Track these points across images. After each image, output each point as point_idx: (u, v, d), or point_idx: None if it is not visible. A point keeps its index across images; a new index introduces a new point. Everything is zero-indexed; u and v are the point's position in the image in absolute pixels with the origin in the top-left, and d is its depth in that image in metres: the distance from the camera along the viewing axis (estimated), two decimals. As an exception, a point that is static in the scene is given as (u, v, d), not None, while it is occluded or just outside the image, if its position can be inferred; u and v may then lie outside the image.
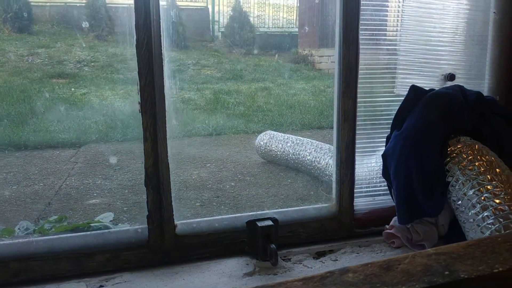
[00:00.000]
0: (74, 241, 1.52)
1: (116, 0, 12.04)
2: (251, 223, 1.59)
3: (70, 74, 8.77)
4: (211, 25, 12.72)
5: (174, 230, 1.57)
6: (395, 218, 1.75)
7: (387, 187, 1.82)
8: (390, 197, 1.81)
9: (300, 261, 1.62)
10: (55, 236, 1.56)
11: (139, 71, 1.54)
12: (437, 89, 1.77)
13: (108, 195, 2.64)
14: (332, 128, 4.01)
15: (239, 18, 11.29)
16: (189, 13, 11.67)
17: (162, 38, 1.52)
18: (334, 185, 1.75)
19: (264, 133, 3.34)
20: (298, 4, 12.72)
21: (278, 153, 3.12)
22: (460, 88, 1.76)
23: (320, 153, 2.78)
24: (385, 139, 1.80)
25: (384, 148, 1.79)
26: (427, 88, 1.76)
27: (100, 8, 10.89)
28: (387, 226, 1.75)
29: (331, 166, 2.64)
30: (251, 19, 12.26)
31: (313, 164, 2.79)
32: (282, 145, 3.11)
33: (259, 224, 1.57)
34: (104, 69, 9.29)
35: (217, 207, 2.45)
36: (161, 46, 1.52)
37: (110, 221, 2.21)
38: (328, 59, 10.70)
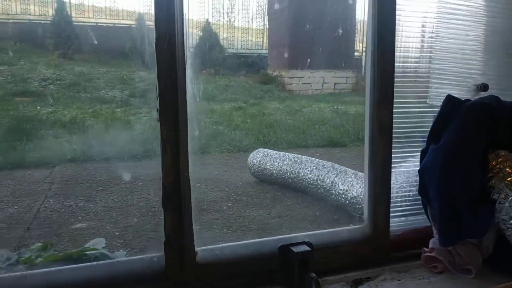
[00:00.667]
0: (77, 274, 1.26)
1: (83, 19, 11.69)
2: (285, 249, 1.37)
3: (34, 92, 8.32)
4: (180, 45, 12.48)
5: (194, 258, 1.34)
6: (433, 240, 1.57)
7: (419, 206, 1.65)
8: (425, 217, 1.64)
9: (337, 291, 1.41)
10: (54, 269, 1.29)
11: (158, 73, 1.31)
12: (472, 99, 1.63)
13: (95, 218, 2.36)
14: (319, 147, 3.84)
15: (209, 38, 11.14)
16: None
17: (185, 36, 1.32)
18: (366, 205, 1.56)
19: (256, 151, 3.14)
20: (268, 26, 12.72)
21: (274, 171, 2.93)
22: (496, 98, 1.63)
23: (323, 171, 2.60)
24: (418, 153, 1.63)
25: (418, 163, 1.63)
26: (463, 99, 1.61)
27: (66, 26, 10.51)
28: (425, 249, 1.58)
29: (338, 185, 2.47)
30: (220, 40, 12.13)
31: (316, 183, 2.61)
32: (278, 163, 2.92)
33: (295, 249, 1.35)
34: (71, 88, 8.89)
35: (220, 230, 2.22)
36: (184, 45, 1.31)
37: (103, 247, 1.94)
38: (299, 80, 10.67)
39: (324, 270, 1.46)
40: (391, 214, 1.61)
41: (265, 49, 12.71)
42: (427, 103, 1.63)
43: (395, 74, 1.51)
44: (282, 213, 2.45)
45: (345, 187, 2.38)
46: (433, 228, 1.61)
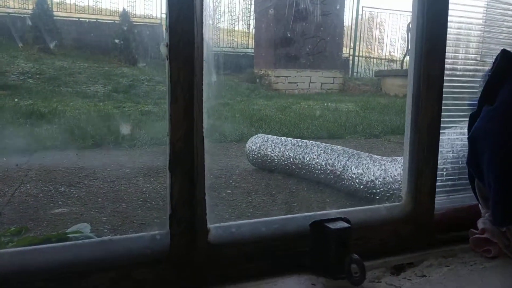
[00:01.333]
0: (59, 253, 0.96)
1: (65, 13, 11.28)
2: (318, 226, 1.10)
3: (12, 85, 7.92)
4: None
5: (206, 236, 1.06)
6: (482, 219, 1.32)
7: (464, 181, 1.40)
8: (469, 195, 1.39)
9: (378, 279, 1.14)
10: (30, 248, 1.00)
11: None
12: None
13: (78, 203, 2.05)
14: (316, 139, 3.58)
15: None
16: (141, 30, 11.10)
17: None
18: (406, 177, 1.30)
19: (256, 136, 2.86)
20: (255, 26, 12.50)
21: (275, 157, 2.65)
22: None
23: (332, 155, 2.33)
24: (465, 118, 1.38)
25: (464, 130, 1.38)
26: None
27: (47, 20, 10.10)
28: (474, 231, 1.32)
29: (351, 168, 2.21)
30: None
31: (324, 168, 2.34)
32: (280, 148, 2.65)
33: (331, 226, 1.08)
34: (51, 82, 8.50)
35: (222, 215, 1.93)
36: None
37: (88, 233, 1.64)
38: (285, 79, 10.45)
39: (361, 253, 1.19)
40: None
41: (251, 49, 12.48)
42: (477, 60, 1.38)
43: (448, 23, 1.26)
44: (288, 200, 2.18)
45: (359, 171, 2.12)
46: (480, 206, 1.36)
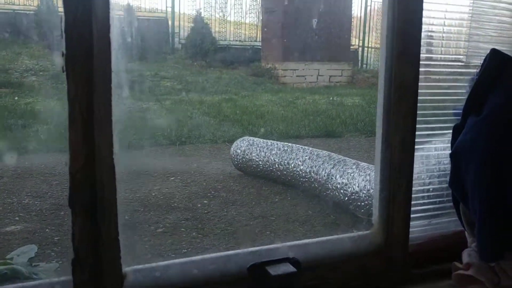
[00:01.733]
0: None
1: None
2: (257, 269, 0.90)
3: (15, 83, 7.84)
4: (170, 37, 12.02)
5: (121, 283, 0.87)
6: (468, 251, 1.11)
7: (445, 204, 1.19)
8: (452, 218, 1.19)
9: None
10: None
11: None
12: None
13: (36, 219, 1.89)
14: (313, 137, 3.34)
15: (200, 30, 10.67)
16: (147, 24, 10.95)
17: None
18: (377, 202, 1.10)
19: (241, 139, 2.67)
20: (261, 18, 12.25)
21: (260, 163, 2.46)
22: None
23: (317, 161, 2.13)
24: (444, 131, 1.17)
25: (444, 145, 1.17)
26: None
27: (51, 16, 10.00)
28: (458, 264, 1.11)
29: (335, 178, 2.01)
30: (212, 34, 11.67)
31: (309, 176, 2.14)
32: (265, 152, 2.45)
33: (272, 271, 0.89)
34: (54, 79, 8.41)
35: (188, 234, 1.75)
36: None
37: (31, 258, 1.47)
38: (293, 73, 10.21)
39: (317, 298, 1.00)
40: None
41: (259, 42, 12.25)
42: (463, 62, 1.16)
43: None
44: (267, 212, 1.98)
45: (343, 180, 1.91)
46: (467, 234, 1.15)
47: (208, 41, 10.67)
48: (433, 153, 1.24)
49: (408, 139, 1.05)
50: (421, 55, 1.01)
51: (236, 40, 12.92)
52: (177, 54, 12.04)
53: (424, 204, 1.17)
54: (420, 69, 1.02)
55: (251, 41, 13.13)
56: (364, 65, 12.38)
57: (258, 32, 13.03)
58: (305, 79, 10.20)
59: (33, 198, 2.17)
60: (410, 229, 1.10)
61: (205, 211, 1.99)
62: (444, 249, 1.14)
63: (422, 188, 1.18)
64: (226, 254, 0.99)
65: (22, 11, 10.89)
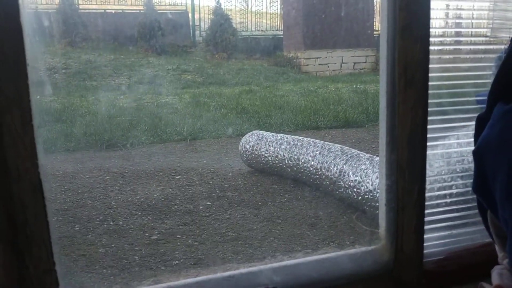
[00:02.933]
0: None
1: (90, 6, 11.17)
2: (228, 304, 0.73)
3: (38, 82, 7.85)
4: (191, 30, 11.89)
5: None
6: (499, 269, 0.90)
7: (469, 212, 0.98)
8: (478, 228, 0.98)
9: None
10: None
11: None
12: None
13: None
14: (331, 128, 3.10)
15: (221, 21, 10.49)
16: (167, 18, 10.84)
17: None
18: (384, 212, 0.90)
19: (250, 133, 2.48)
20: (283, 6, 11.98)
21: (270, 158, 2.27)
22: None
23: (329, 156, 1.93)
24: (467, 123, 0.96)
25: (468, 140, 0.96)
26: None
27: (72, 13, 10.00)
28: (485, 286, 0.91)
29: (348, 175, 1.80)
30: (233, 25, 11.48)
31: (320, 172, 1.94)
32: (275, 147, 2.26)
33: (244, 306, 0.71)
34: (76, 76, 8.40)
35: (183, 242, 1.58)
36: None
37: None
38: (316, 61, 9.93)
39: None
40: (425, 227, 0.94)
41: (281, 31, 11.99)
42: (487, 36, 0.93)
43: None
44: (273, 214, 1.80)
45: (357, 178, 1.70)
46: (497, 248, 0.94)
47: (229, 32, 10.49)
48: (455, 149, 1.02)
49: (419, 135, 0.84)
50: (432, 29, 0.80)
51: (258, 30, 12.68)
52: (198, 47, 11.91)
53: (443, 212, 0.96)
54: (431, 48, 0.81)
55: (273, 30, 12.88)
56: (390, 51, 11.96)
57: (280, 21, 12.76)
58: (328, 67, 9.91)
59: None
60: (425, 243, 0.89)
61: (207, 214, 1.82)
62: (468, 266, 0.93)
63: (441, 193, 0.97)
64: (197, 281, 0.81)
65: (45, 10, 10.94)
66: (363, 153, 1.81)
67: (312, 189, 2.04)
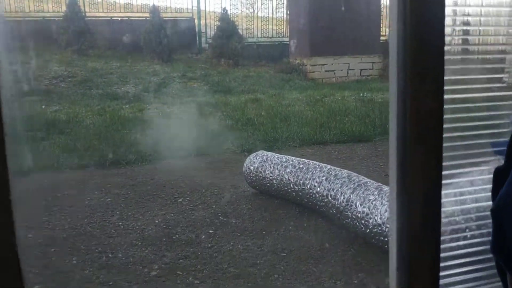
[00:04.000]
0: None
1: (96, 13, 11.17)
2: None
3: (44, 90, 7.84)
4: (197, 37, 11.85)
5: None
6: None
7: (488, 264, 0.90)
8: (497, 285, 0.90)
9: None
10: None
11: None
12: None
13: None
14: (338, 143, 3.01)
15: (227, 28, 10.45)
16: (173, 24, 10.80)
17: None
18: (394, 255, 0.82)
19: (254, 154, 2.41)
20: (289, 12, 11.91)
21: (274, 181, 2.20)
22: None
23: (336, 183, 1.85)
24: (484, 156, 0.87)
25: (489, 190, 0.88)
26: None
27: (78, 21, 9.98)
28: None
29: (355, 205, 1.72)
30: (240, 31, 11.42)
31: (326, 200, 1.87)
32: (279, 170, 2.18)
33: None
34: (82, 85, 8.37)
35: (183, 279, 1.51)
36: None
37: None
38: (322, 68, 9.85)
39: None
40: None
41: (287, 37, 11.92)
42: (503, 82, 0.85)
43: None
44: (278, 245, 1.72)
45: (364, 209, 1.62)
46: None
47: (235, 39, 10.44)
48: (468, 189, 0.95)
49: (434, 168, 0.76)
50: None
51: (264, 37, 12.63)
52: (204, 54, 11.86)
53: (455, 262, 0.88)
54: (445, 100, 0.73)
55: (279, 36, 12.81)
56: (396, 57, 11.83)
57: (286, 27, 12.70)
58: (335, 74, 9.83)
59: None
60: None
61: (209, 245, 1.74)
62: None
63: (452, 236, 0.89)
64: None
65: (52, 18, 10.94)
66: (371, 181, 1.73)
67: (318, 217, 1.97)
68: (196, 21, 11.78)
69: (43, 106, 6.74)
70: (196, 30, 11.70)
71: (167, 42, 10.10)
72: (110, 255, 1.65)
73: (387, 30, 11.97)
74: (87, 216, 2.13)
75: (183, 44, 11.03)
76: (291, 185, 2.06)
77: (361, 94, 6.46)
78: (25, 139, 3.87)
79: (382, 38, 10.92)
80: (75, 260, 1.63)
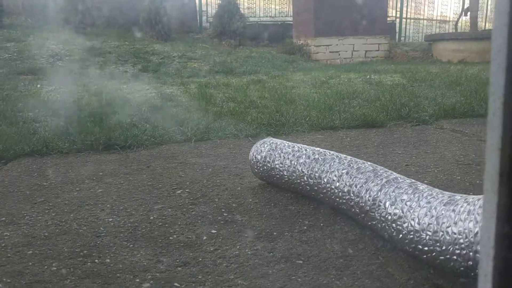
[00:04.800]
0: None
1: (95, -10, 10.78)
2: None
3: (40, 69, 7.52)
4: (198, 15, 11.47)
5: None
6: None
7: None
8: None
9: None
10: None
11: None
12: None
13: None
14: (349, 128, 2.75)
15: (228, 7, 10.07)
16: (173, 2, 10.41)
17: None
18: (490, 267, 0.55)
19: (262, 141, 2.14)
20: (292, -9, 11.50)
21: (285, 173, 1.93)
22: None
23: (359, 178, 1.58)
24: None
25: None
26: None
27: (76, -2, 9.59)
28: None
29: (384, 205, 1.45)
30: (241, 10, 11.04)
31: (347, 197, 1.61)
32: (291, 161, 1.92)
33: None
34: (80, 63, 8.06)
35: (180, 295, 1.26)
36: None
37: None
38: (326, 48, 9.52)
39: None
40: None
41: (290, 17, 11.55)
42: None
43: None
44: (292, 250, 1.46)
45: (396, 211, 1.36)
46: None
47: (237, 18, 10.07)
48: None
49: None
50: None
51: (267, 16, 12.24)
52: (205, 33, 11.49)
53: None
54: None
55: (282, 16, 12.42)
56: (402, 38, 11.47)
57: (290, 6, 12.29)
58: (339, 55, 9.51)
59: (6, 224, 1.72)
60: None
61: (212, 248, 1.48)
62: None
63: None
64: None
65: (49, -5, 10.54)
66: (402, 176, 1.46)
67: (336, 215, 1.71)
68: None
69: (38, 86, 6.46)
70: (197, 8, 11.31)
71: (167, 20, 9.73)
72: (96, 261, 1.39)
73: (393, 11, 11.56)
74: (73, 210, 1.87)
75: (183, 23, 10.66)
76: (305, 177, 1.79)
77: (368, 76, 6.17)
78: (14, 121, 3.59)
79: (388, 18, 10.54)
80: (55, 266, 1.37)
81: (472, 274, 1.10)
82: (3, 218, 1.80)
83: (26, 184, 2.23)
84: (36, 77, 7.15)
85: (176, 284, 1.27)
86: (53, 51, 8.62)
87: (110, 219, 1.77)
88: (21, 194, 2.09)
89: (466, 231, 1.11)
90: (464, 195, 1.25)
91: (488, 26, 12.10)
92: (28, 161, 2.67)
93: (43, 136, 2.99)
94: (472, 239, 1.09)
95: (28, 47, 8.71)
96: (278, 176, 1.97)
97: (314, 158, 1.81)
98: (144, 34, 9.76)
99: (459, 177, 2.17)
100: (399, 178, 1.47)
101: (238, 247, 1.50)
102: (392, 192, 1.41)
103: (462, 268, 1.14)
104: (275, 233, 1.59)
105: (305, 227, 1.63)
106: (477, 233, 1.07)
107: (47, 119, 3.88)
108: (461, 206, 1.18)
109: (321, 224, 1.66)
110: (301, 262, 1.38)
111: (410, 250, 1.31)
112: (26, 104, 4.40)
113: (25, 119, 3.84)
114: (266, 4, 12.86)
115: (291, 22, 10.91)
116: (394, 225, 1.35)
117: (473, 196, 1.18)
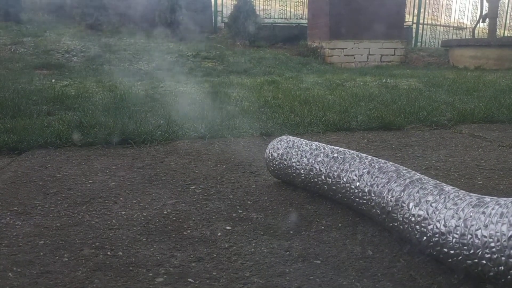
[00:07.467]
0: None
1: (112, -13, 10.83)
2: None
3: (55, 64, 7.56)
4: (213, 15, 11.47)
5: None
6: None
7: None
8: None
9: None
10: None
11: None
12: None
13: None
14: (366, 130, 2.70)
15: (244, 8, 10.06)
16: (189, 2, 10.42)
17: None
18: None
19: (278, 139, 2.09)
20: (308, -7, 11.46)
21: (302, 171, 1.88)
22: None
23: (381, 178, 1.53)
24: None
25: None
26: None
27: (93, -5, 9.64)
28: None
29: (407, 206, 1.39)
30: (256, 11, 11.02)
31: (368, 197, 1.56)
32: (309, 159, 1.87)
33: None
34: (94, 60, 8.10)
35: (195, 291, 1.22)
36: None
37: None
38: (341, 52, 9.45)
39: None
40: None
41: (305, 19, 11.51)
42: None
43: None
44: (309, 250, 1.41)
45: (420, 212, 1.31)
46: None
47: (252, 19, 10.05)
48: None
49: None
50: None
51: (281, 18, 12.21)
52: (219, 34, 11.48)
53: None
54: None
55: (296, 18, 12.38)
56: (419, 43, 11.36)
57: (305, 9, 12.25)
58: (354, 58, 9.44)
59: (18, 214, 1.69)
60: None
61: (226, 245, 1.44)
62: None
63: None
64: None
65: (66, -9, 10.62)
66: (426, 177, 1.41)
67: (355, 215, 1.65)
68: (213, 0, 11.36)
69: (53, 80, 6.51)
70: (212, 8, 11.31)
71: (182, 20, 9.74)
72: (108, 253, 1.36)
73: (410, 16, 11.46)
74: (86, 202, 1.84)
75: (198, 23, 10.67)
76: (323, 176, 1.74)
77: (384, 80, 6.11)
78: (29, 113, 3.59)
79: (405, 23, 10.45)
80: (66, 257, 1.34)
81: (503, 280, 1.04)
82: (15, 208, 1.78)
83: (39, 175, 2.21)
84: (51, 72, 7.18)
85: (190, 279, 1.23)
86: (69, 47, 8.68)
87: (123, 212, 1.73)
88: (34, 184, 2.07)
89: (498, 234, 1.05)
90: (495, 198, 1.19)
91: (507, 33, 11.94)
92: (42, 153, 2.65)
93: (57, 129, 2.97)
94: (505, 243, 1.03)
95: (44, 43, 8.79)
96: (294, 174, 1.92)
97: (333, 157, 1.76)
98: (159, 33, 9.77)
99: (481, 182, 2.10)
100: (423, 179, 1.41)
101: (253, 244, 1.45)
102: (416, 193, 1.35)
103: (491, 273, 1.08)
104: (291, 232, 1.54)
105: (322, 227, 1.58)
106: (510, 236, 1.02)
107: (60, 113, 3.87)
108: (492, 209, 1.12)
109: (339, 224, 1.60)
110: (319, 262, 1.33)
111: (435, 253, 1.25)
112: (40, 97, 4.40)
113: (39, 111, 3.84)
114: (281, 6, 12.84)
115: (306, 25, 10.87)
116: (418, 226, 1.30)
117: (505, 198, 1.13)
